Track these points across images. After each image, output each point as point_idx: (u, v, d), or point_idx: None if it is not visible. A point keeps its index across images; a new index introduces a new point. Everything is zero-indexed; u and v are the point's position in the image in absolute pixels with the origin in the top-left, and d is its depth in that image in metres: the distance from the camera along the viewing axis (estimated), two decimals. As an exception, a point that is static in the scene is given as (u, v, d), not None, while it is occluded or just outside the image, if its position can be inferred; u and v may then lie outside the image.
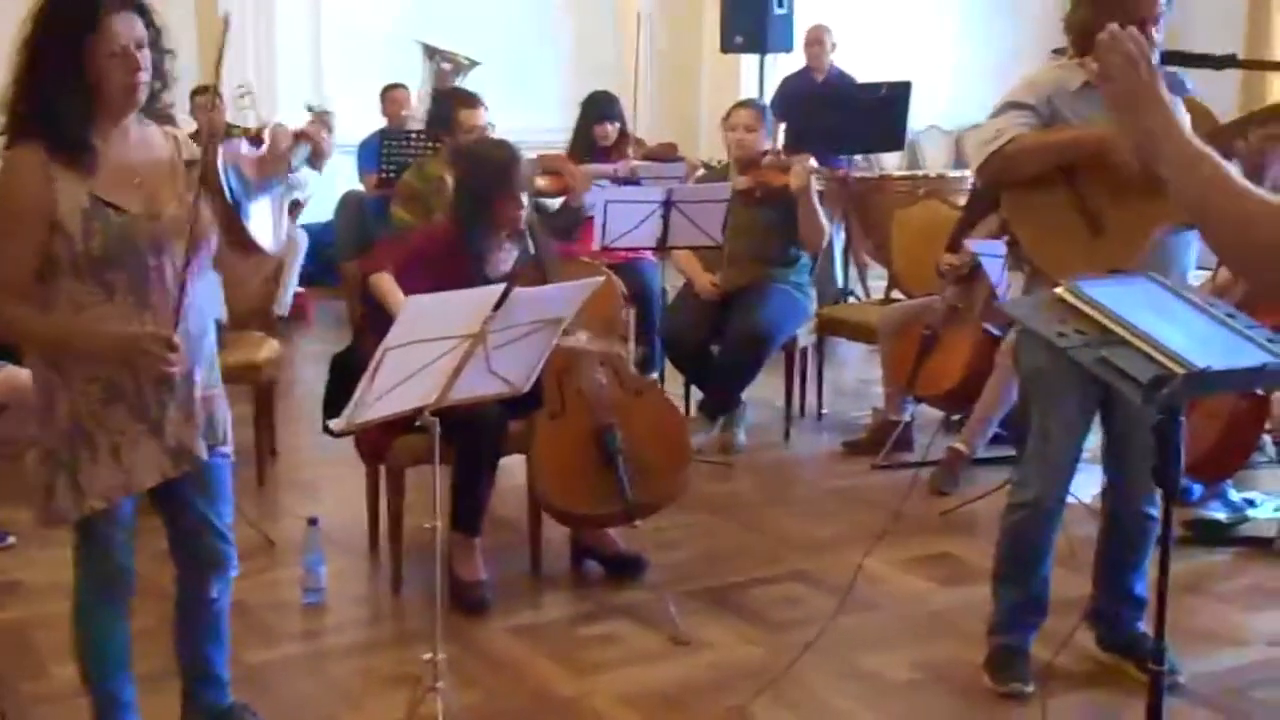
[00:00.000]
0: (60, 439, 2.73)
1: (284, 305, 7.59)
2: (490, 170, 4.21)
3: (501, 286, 2.97)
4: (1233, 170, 1.99)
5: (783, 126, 7.97)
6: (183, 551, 3.02)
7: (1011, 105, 3.40)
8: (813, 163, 5.68)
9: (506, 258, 4.25)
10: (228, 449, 2.96)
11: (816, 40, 8.66)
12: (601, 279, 3.60)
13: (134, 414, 2.74)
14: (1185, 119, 2.11)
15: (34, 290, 2.67)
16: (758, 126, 5.85)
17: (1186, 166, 1.98)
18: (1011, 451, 5.29)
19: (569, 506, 4.24)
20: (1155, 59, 3.27)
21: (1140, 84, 2.11)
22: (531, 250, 4.28)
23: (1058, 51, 3.49)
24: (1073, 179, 3.33)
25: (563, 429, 4.22)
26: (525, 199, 4.23)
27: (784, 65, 8.93)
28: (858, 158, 8.31)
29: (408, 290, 4.00)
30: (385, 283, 4.14)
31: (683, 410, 5.93)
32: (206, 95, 7.21)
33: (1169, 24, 3.37)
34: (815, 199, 5.60)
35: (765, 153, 5.85)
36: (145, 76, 2.66)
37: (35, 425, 2.79)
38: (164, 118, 2.82)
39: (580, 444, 4.20)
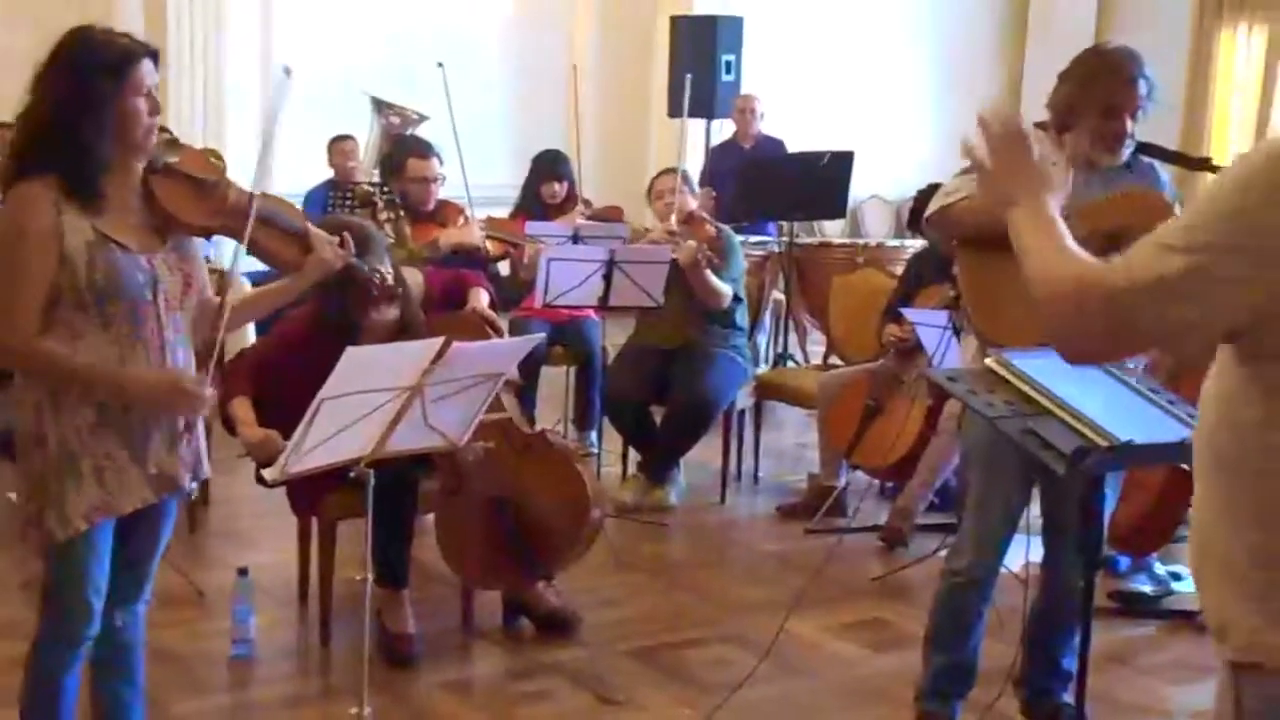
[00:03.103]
0: (49, 466, 2.77)
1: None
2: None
3: (440, 340, 2.98)
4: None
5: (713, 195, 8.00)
6: None
7: None
8: (710, 228, 5.73)
9: (382, 325, 4.11)
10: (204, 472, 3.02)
11: (747, 109, 8.76)
12: (539, 337, 3.61)
13: (121, 440, 2.80)
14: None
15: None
16: (682, 189, 5.92)
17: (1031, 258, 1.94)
18: (944, 519, 5.38)
19: (477, 580, 4.28)
20: (1130, 149, 3.38)
21: (1022, 173, 2.05)
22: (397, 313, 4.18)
23: (1039, 125, 3.55)
24: None
25: (457, 505, 4.21)
26: (387, 268, 4.08)
27: (730, 132, 9.04)
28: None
29: (278, 394, 3.87)
30: (239, 410, 3.99)
31: (621, 470, 5.98)
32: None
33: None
34: (705, 274, 5.61)
35: (690, 214, 5.92)
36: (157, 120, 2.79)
37: (22, 455, 2.81)
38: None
39: (478, 517, 4.20)
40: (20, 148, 2.76)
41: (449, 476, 4.16)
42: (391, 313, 4.14)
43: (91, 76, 2.71)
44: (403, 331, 4.07)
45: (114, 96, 2.72)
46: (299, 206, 4.82)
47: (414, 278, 4.47)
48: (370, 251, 4.01)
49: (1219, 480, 1.81)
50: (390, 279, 4.05)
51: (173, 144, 2.88)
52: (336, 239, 3.07)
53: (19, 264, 2.70)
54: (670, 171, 6.10)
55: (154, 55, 2.80)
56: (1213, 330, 1.74)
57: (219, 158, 3.08)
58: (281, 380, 3.91)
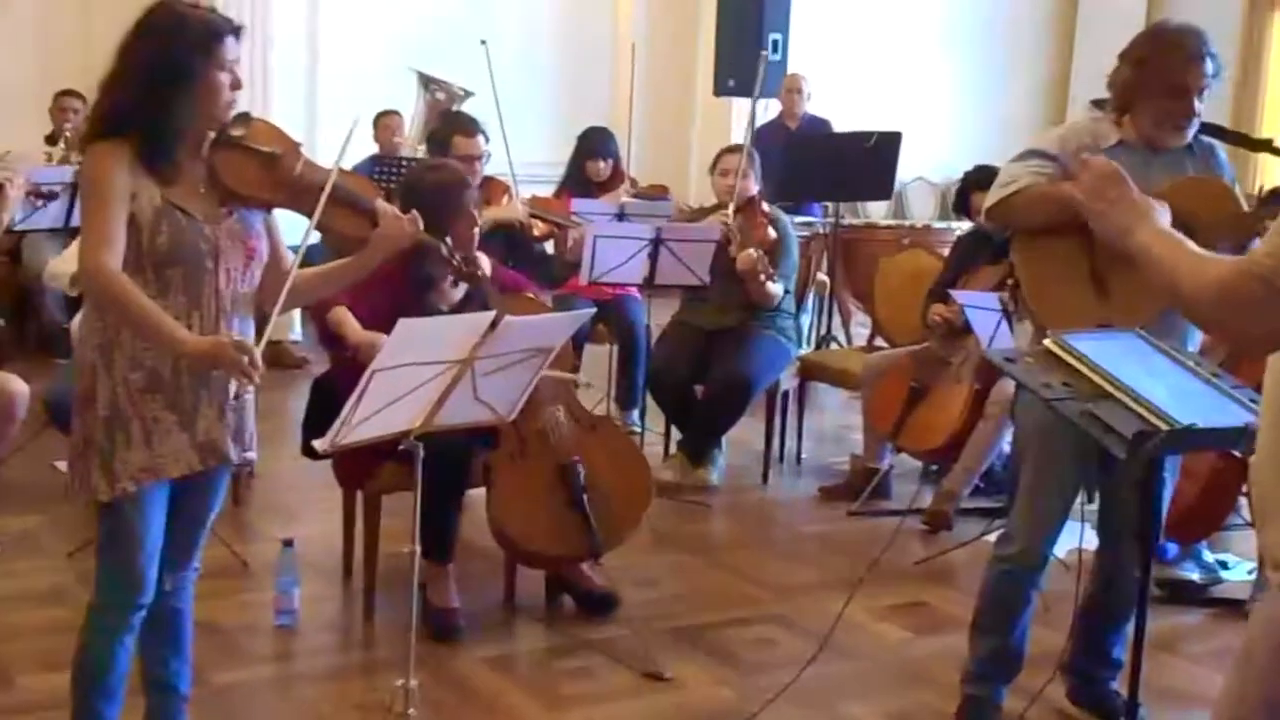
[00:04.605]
0: (99, 426, 2.80)
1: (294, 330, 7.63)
2: (435, 191, 4.11)
3: (492, 313, 2.97)
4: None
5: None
6: None
7: (1034, 152, 3.36)
8: (772, 231, 5.69)
9: (456, 292, 4.18)
10: (250, 455, 3.04)
11: (795, 88, 8.71)
12: (590, 311, 3.60)
13: (169, 404, 2.82)
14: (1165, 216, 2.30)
15: None
16: (748, 172, 5.84)
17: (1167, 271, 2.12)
18: (988, 503, 5.34)
19: (536, 548, 4.20)
20: (1194, 130, 3.33)
21: (1127, 204, 2.29)
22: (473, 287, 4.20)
23: (1097, 103, 3.47)
24: (1087, 234, 3.13)
25: (524, 470, 4.18)
26: (478, 218, 4.17)
27: (776, 111, 8.98)
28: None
29: (361, 317, 4.02)
30: (340, 314, 4.07)
31: (663, 449, 5.96)
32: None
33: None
34: (760, 279, 5.56)
35: (750, 200, 5.85)
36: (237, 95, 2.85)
37: (74, 414, 2.85)
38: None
39: (544, 484, 4.17)
40: (103, 113, 2.80)
41: (511, 442, 4.15)
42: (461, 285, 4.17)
43: (181, 50, 2.75)
44: (478, 306, 4.04)
45: (201, 71, 2.76)
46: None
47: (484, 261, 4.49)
48: (463, 198, 4.12)
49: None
50: (464, 258, 4.03)
51: (244, 118, 2.89)
52: (408, 215, 3.06)
53: (107, 204, 2.74)
54: (737, 149, 6.00)
55: (237, 31, 2.84)
56: None
57: None
58: (366, 307, 4.00)
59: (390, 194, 6.48)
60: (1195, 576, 4.75)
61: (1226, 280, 1.95)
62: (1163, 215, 2.28)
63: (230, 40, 2.81)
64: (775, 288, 5.65)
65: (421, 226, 3.09)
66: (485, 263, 4.51)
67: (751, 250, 5.54)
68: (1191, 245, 2.10)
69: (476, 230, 4.19)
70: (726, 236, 5.60)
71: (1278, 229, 1.88)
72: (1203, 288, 1.99)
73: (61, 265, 5.26)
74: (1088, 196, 2.34)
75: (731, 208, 5.74)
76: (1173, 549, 4.88)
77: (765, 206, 5.87)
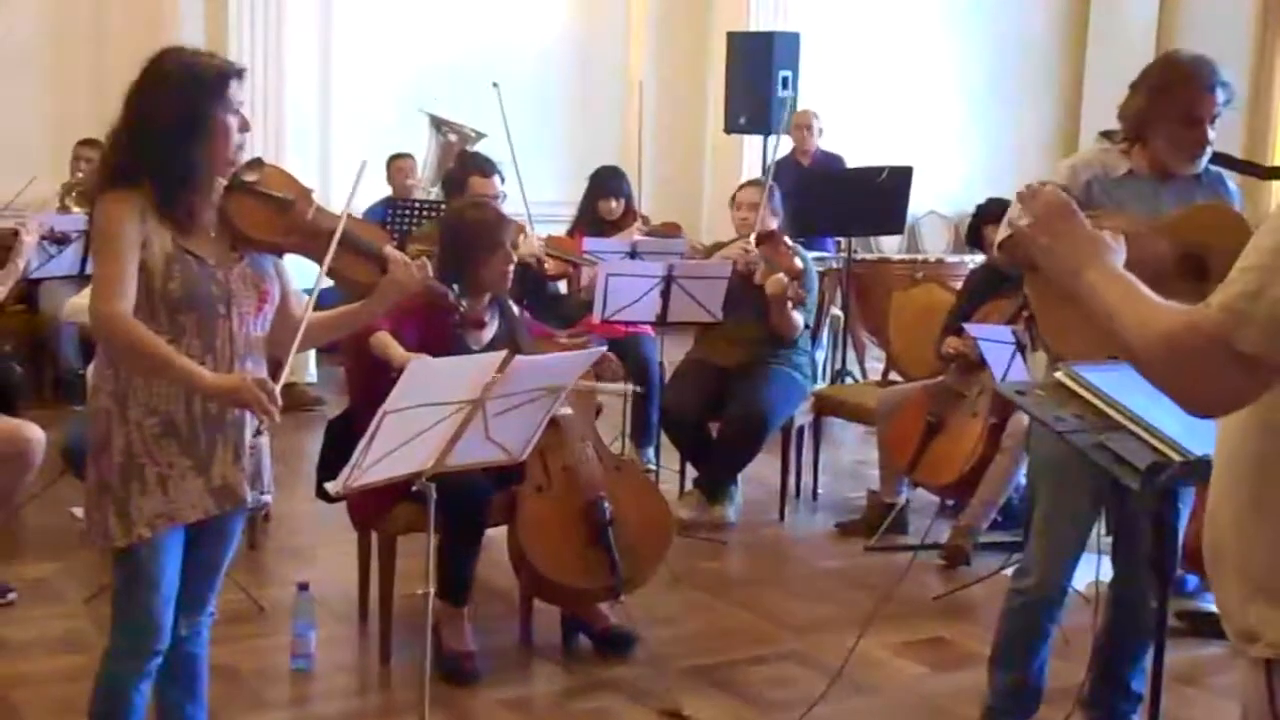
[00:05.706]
0: (114, 472, 2.81)
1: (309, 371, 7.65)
2: (475, 228, 4.19)
3: (503, 353, 2.98)
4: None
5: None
6: None
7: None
8: (798, 261, 5.71)
9: (488, 330, 4.23)
10: (266, 498, 3.04)
11: (806, 125, 8.75)
12: (602, 349, 3.60)
13: (184, 450, 2.83)
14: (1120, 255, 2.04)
15: None
16: (766, 204, 5.86)
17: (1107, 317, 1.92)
18: (1006, 537, 5.31)
19: (560, 581, 4.18)
20: (1206, 158, 3.33)
21: (1076, 239, 2.03)
22: (505, 325, 4.28)
23: (1106, 134, 3.48)
24: None
25: (550, 504, 4.18)
26: (513, 256, 4.21)
27: (787, 147, 9.00)
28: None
29: (408, 347, 4.04)
30: (384, 338, 4.09)
31: (679, 487, 5.95)
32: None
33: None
34: (787, 306, 5.59)
35: (772, 233, 5.87)
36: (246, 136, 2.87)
37: (89, 461, 2.87)
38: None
39: (570, 519, 4.17)
40: (113, 162, 2.83)
41: (538, 477, 4.16)
42: (493, 324, 4.23)
43: (191, 93, 2.78)
44: (509, 346, 4.06)
45: (213, 115, 2.79)
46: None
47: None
48: (499, 235, 4.19)
49: (1244, 481, 1.82)
50: (465, 304, 4.07)
51: (256, 163, 2.92)
52: (416, 261, 3.07)
53: (119, 253, 2.76)
54: (756, 183, 6.03)
55: (240, 74, 2.86)
56: None
57: None
58: (403, 332, 4.04)
59: (403, 237, 6.56)
60: (1214, 608, 4.70)
61: (1175, 335, 1.76)
62: (1118, 253, 2.03)
63: (235, 82, 2.83)
64: (799, 317, 5.66)
65: (431, 271, 3.11)
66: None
67: (781, 275, 5.55)
68: (1144, 291, 1.87)
69: (511, 267, 4.22)
70: (748, 267, 5.61)
71: (1230, 280, 1.71)
72: (1150, 342, 1.79)
73: (81, 301, 5.31)
74: (1034, 229, 2.09)
75: (752, 238, 5.75)
76: (1192, 581, 4.84)
77: (787, 240, 5.90)
